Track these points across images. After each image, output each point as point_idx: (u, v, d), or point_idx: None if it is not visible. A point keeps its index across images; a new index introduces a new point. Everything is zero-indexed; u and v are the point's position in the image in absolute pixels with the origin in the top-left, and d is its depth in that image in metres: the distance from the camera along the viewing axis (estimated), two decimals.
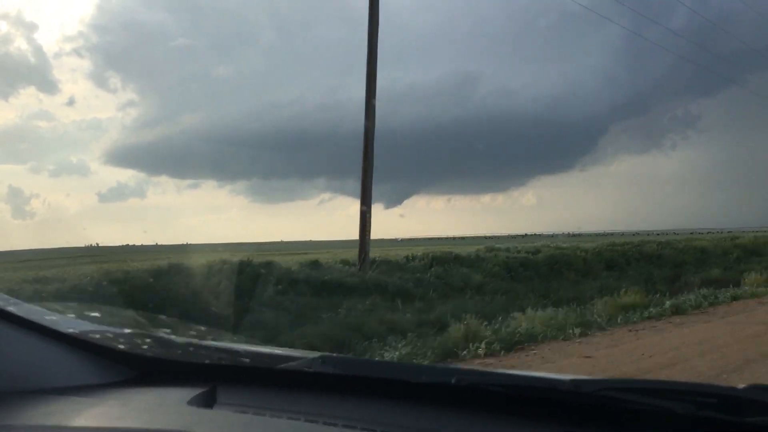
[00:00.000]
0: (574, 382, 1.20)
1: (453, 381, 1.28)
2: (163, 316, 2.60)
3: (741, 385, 1.14)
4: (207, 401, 1.41)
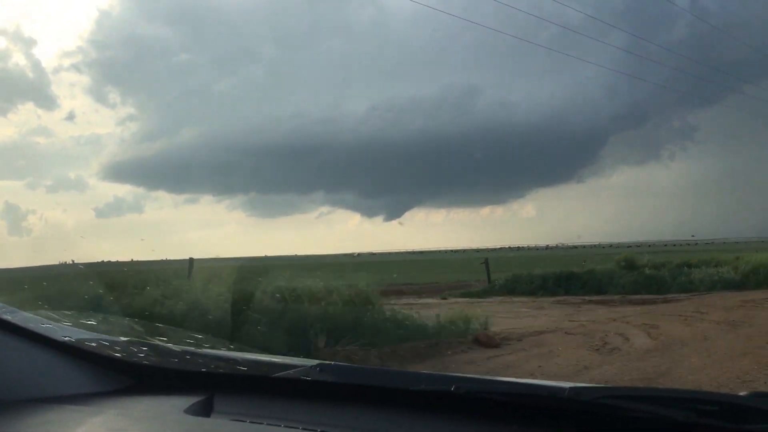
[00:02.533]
0: (574, 390, 1.19)
1: (452, 389, 1.27)
2: (159, 324, 2.59)
3: (742, 393, 1.13)
4: (204, 410, 1.40)
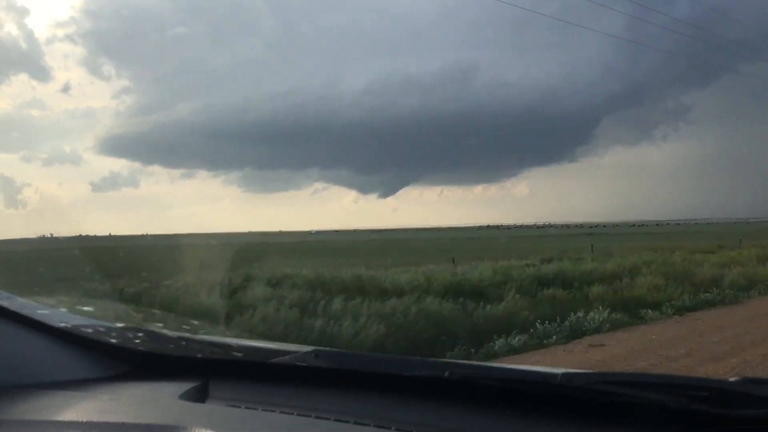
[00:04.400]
0: (566, 376, 1.20)
1: (446, 375, 1.28)
2: (155, 310, 2.59)
3: (732, 378, 1.14)
4: (199, 395, 1.40)
